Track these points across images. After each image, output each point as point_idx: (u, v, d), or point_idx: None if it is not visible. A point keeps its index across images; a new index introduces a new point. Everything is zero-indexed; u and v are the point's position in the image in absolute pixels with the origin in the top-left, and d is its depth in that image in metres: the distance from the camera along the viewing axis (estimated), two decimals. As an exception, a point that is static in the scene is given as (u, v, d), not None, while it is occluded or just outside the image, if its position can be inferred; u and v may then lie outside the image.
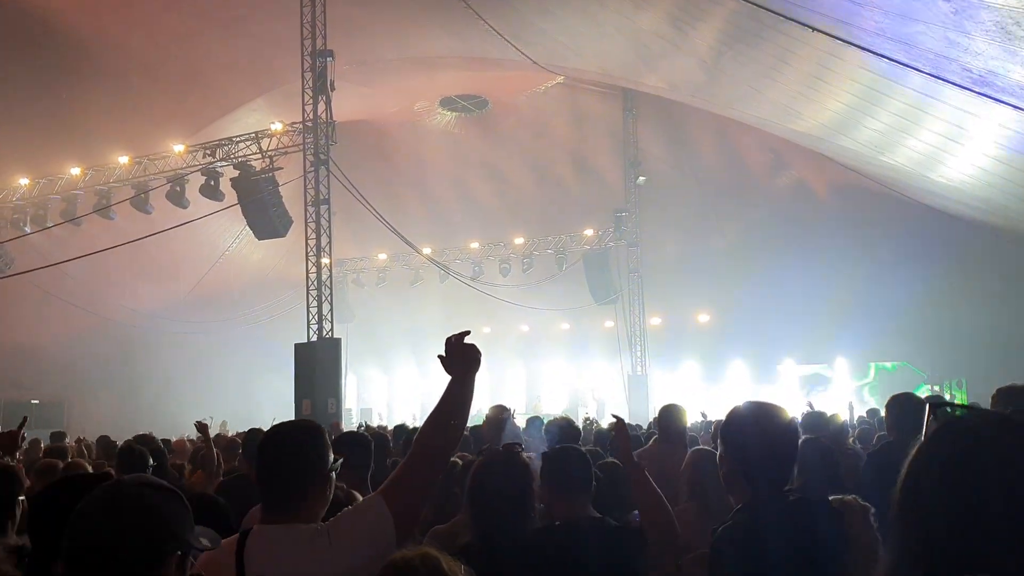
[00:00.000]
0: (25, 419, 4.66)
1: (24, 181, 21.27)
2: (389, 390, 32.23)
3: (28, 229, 20.81)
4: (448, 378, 2.60)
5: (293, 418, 8.90)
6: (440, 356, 2.61)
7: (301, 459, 2.41)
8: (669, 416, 6.02)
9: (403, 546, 2.30)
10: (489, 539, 3.07)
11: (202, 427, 6.64)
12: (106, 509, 1.72)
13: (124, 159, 20.43)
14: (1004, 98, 10.46)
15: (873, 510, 3.40)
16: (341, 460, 2.57)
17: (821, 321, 23.31)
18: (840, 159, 20.39)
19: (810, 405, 14.13)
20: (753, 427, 2.75)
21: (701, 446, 5.36)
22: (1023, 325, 19.45)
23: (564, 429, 5.37)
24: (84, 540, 1.69)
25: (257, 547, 2.29)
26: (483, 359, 2.62)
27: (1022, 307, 19.75)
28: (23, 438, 4.45)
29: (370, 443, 4.24)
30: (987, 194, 16.29)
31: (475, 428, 7.76)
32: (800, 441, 2.92)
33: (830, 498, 2.94)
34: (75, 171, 20.78)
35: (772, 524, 2.61)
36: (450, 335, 2.63)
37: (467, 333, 2.64)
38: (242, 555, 2.26)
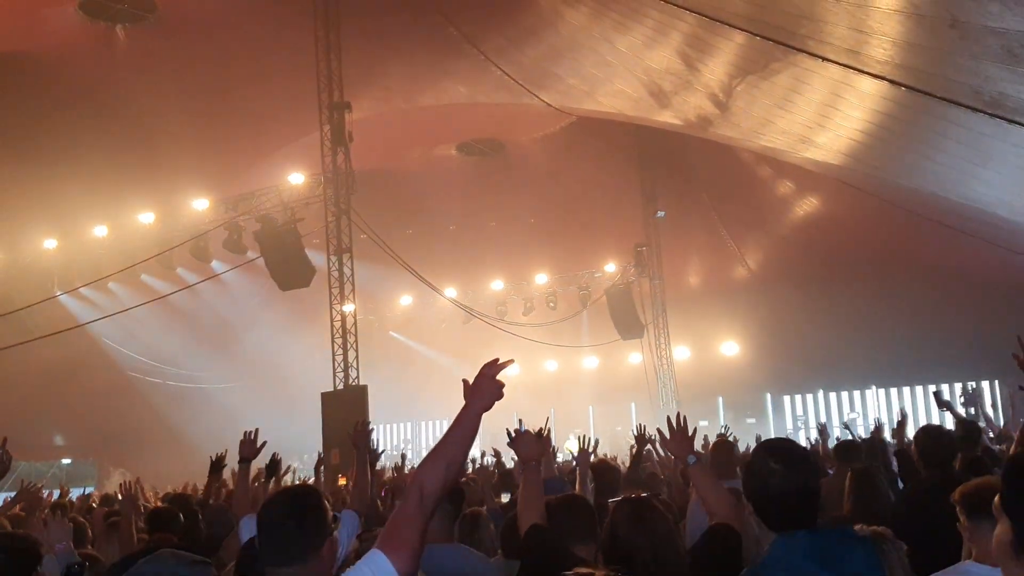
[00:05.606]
0: (5, 439, 4.49)
1: (52, 243, 21.64)
2: (415, 436, 32.10)
3: (57, 291, 21.15)
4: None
5: (321, 468, 8.97)
6: (465, 380, 2.53)
7: (299, 527, 2.50)
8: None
9: None
10: None
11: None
12: None
13: (149, 218, 20.78)
14: (1018, 119, 10.48)
15: (905, 547, 3.36)
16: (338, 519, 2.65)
17: (852, 348, 23.13)
18: (861, 185, 20.34)
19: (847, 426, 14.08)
20: (764, 466, 2.77)
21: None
22: None
23: None
24: None
25: None
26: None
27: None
28: (7, 456, 4.35)
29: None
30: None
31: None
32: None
33: (856, 527, 2.85)
34: (102, 232, 21.14)
35: (798, 558, 2.60)
36: (489, 361, 2.55)
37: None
38: None
